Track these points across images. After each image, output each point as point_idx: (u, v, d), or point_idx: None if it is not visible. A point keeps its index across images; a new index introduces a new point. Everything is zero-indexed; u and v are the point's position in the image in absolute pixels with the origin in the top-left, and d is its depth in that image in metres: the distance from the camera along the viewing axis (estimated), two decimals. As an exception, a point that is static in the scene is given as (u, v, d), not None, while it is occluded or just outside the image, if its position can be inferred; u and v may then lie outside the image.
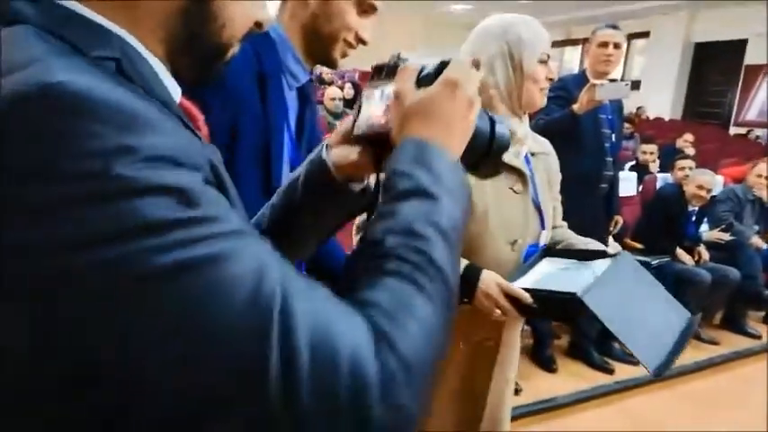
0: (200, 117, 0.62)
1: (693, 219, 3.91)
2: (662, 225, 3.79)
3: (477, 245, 1.23)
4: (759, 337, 3.86)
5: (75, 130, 0.37)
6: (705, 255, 3.81)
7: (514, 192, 1.26)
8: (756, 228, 4.24)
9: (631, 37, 13.35)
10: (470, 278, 1.17)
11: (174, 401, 0.38)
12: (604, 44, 2.79)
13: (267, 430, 0.38)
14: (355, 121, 0.69)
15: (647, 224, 3.95)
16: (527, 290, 1.14)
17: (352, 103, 5.54)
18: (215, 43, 0.54)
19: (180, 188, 0.39)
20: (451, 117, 0.58)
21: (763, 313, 4.24)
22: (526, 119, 1.30)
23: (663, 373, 1.03)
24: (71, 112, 0.38)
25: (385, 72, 0.67)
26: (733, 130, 11.40)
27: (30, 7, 0.45)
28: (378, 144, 0.66)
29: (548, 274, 1.23)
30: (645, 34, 13.34)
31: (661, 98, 12.36)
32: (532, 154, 1.35)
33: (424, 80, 0.60)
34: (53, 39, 0.43)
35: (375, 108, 0.66)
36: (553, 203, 1.42)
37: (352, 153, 0.70)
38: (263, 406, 0.38)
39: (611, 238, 3.19)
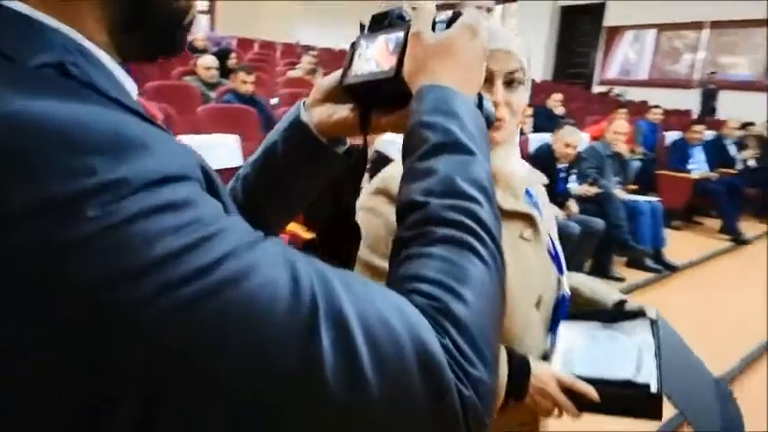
0: (160, 116, 0.54)
1: (562, 175, 4.20)
2: (536, 182, 4.03)
3: None
4: (623, 280, 4.27)
5: (57, 168, 0.32)
6: (574, 208, 4.11)
7: (525, 239, 1.01)
8: (616, 179, 4.65)
9: (504, 0, 13.88)
10: (519, 373, 0.93)
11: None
12: (477, 9, 2.87)
13: None
14: (346, 71, 0.63)
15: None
16: (587, 380, 0.93)
17: (229, 72, 5.25)
18: (169, 8, 0.47)
19: (186, 205, 0.35)
20: (472, 60, 0.56)
21: (625, 258, 4.69)
22: (511, 152, 1.02)
23: None
24: (43, 147, 0.32)
25: (388, 21, 0.63)
26: (596, 89, 12.31)
27: None
28: (371, 97, 0.61)
29: (581, 351, 1.01)
30: (516, -2, 13.91)
31: (534, 61, 13.05)
32: (531, 186, 1.09)
33: (439, 26, 0.58)
34: None
35: (378, 55, 0.61)
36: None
37: (339, 110, 0.64)
38: (332, 414, 0.35)
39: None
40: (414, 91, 0.54)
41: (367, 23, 0.65)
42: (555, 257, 1.06)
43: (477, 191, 0.47)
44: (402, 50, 0.57)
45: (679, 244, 4.91)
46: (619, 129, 4.61)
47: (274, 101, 5.39)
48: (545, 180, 1.16)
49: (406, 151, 0.51)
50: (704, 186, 5.63)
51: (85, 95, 0.37)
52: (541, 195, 1.13)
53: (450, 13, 0.58)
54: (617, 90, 11.39)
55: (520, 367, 0.93)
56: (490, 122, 0.60)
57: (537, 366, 0.94)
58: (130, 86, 0.46)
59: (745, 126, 7.27)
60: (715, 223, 5.75)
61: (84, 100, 0.36)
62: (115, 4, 0.43)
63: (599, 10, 12.40)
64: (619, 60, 12.91)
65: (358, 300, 0.37)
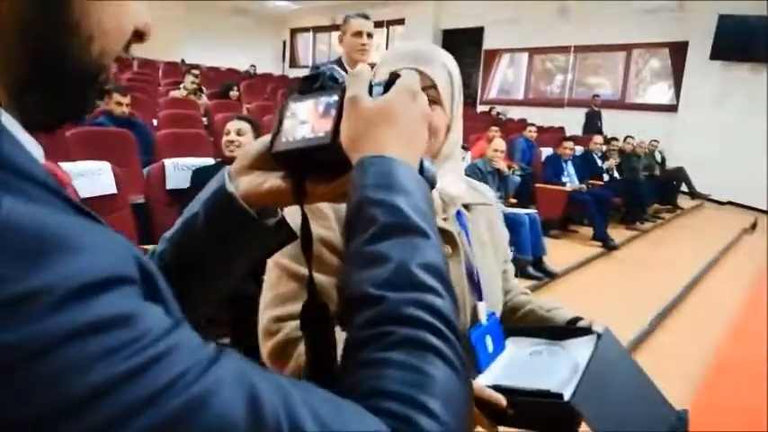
0: (67, 179, 0.46)
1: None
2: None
3: None
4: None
5: None
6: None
7: None
8: (498, 194, 4.91)
9: (390, 23, 14.33)
10: None
11: None
12: (358, 34, 2.89)
13: None
14: (275, 137, 0.57)
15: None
16: (499, 389, 0.87)
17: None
18: (81, 65, 0.40)
19: (124, 319, 0.30)
20: (413, 124, 0.52)
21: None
22: (448, 168, 1.00)
23: None
24: None
25: (320, 82, 0.58)
26: (480, 108, 12.99)
27: None
28: (304, 164, 0.56)
29: (516, 364, 0.98)
30: (402, 21, 14.41)
31: (420, 80, 13.53)
32: (466, 207, 1.06)
33: (376, 90, 0.54)
34: None
35: (310, 121, 0.56)
36: (503, 266, 1.14)
37: (270, 178, 0.58)
38: None
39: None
40: (354, 161, 0.50)
41: (297, 85, 0.61)
42: (476, 283, 1.01)
43: (435, 279, 0.44)
44: (338, 115, 0.53)
45: (557, 252, 5.23)
46: (498, 146, 4.88)
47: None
48: (488, 201, 1.13)
49: (352, 231, 0.47)
50: (576, 197, 6.07)
51: None
52: (482, 216, 1.09)
53: (386, 75, 0.56)
54: (498, 109, 12.09)
55: None
56: (432, 185, 0.58)
57: None
58: (37, 152, 0.39)
59: (608, 141, 7.99)
60: (588, 231, 6.21)
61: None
62: (16, 49, 0.37)
63: (478, 33, 13.15)
64: (498, 81, 13.72)
65: (324, 418, 0.34)
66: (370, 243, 0.45)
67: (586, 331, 0.97)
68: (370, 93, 0.54)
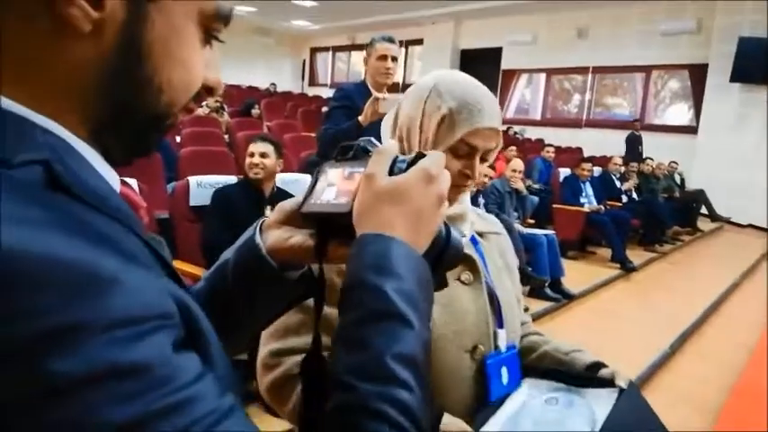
0: (143, 204, 0.51)
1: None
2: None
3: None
4: (526, 309, 4.46)
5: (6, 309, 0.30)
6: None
7: (463, 283, 0.98)
8: (516, 214, 4.92)
9: (409, 44, 14.47)
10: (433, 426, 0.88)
11: None
12: (383, 57, 2.93)
13: None
14: (306, 198, 0.61)
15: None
16: None
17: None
18: (149, 114, 0.45)
19: (140, 368, 0.33)
20: (422, 208, 0.53)
21: (527, 288, 4.92)
22: (463, 199, 1.03)
23: None
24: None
25: (353, 153, 0.61)
26: (497, 127, 13.00)
27: None
28: (328, 226, 0.59)
29: (527, 412, 0.94)
30: (420, 41, 14.56)
31: (438, 100, 13.62)
32: (480, 234, 1.07)
33: (398, 167, 0.55)
34: None
35: (337, 186, 0.59)
36: (516, 294, 1.13)
37: (296, 234, 0.61)
38: None
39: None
40: (357, 235, 0.52)
41: (335, 153, 0.63)
42: (497, 310, 1.01)
43: (408, 370, 0.45)
44: (358, 187, 0.56)
45: (575, 273, 5.20)
46: (516, 167, 4.90)
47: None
48: (498, 230, 1.14)
49: (342, 307, 0.49)
50: (594, 218, 6.05)
51: (58, 215, 0.35)
52: (495, 244, 1.10)
53: (413, 154, 0.57)
54: (516, 128, 12.11)
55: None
56: (459, 256, 0.60)
57: (447, 421, 0.89)
58: (113, 180, 0.45)
59: (627, 162, 7.96)
60: (606, 252, 6.16)
61: (53, 223, 0.34)
62: (96, 97, 0.42)
63: (496, 54, 13.23)
64: (516, 101, 13.76)
65: None
66: (354, 326, 0.47)
67: (609, 383, 0.93)
68: (392, 169, 0.55)
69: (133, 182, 3.01)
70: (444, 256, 0.58)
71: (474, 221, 1.06)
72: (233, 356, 0.70)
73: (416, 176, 0.53)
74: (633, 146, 10.22)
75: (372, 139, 0.62)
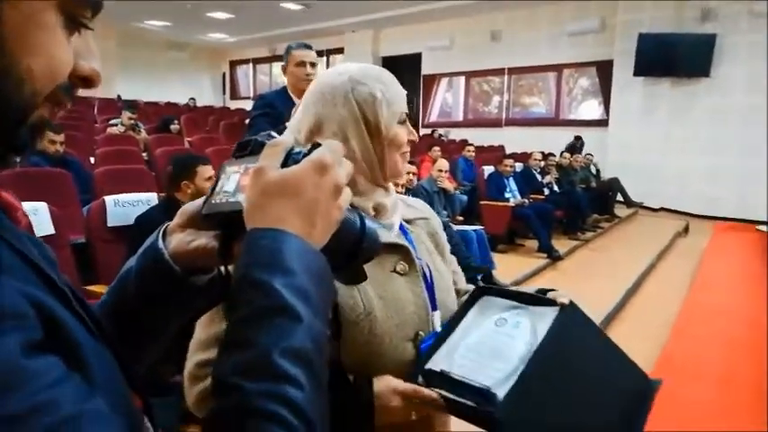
0: (19, 206, 0.46)
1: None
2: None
3: (370, 352, 0.94)
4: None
5: None
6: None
7: (399, 274, 1.00)
8: (445, 212, 5.01)
9: (330, 52, 14.51)
10: (365, 397, 0.90)
11: None
12: (302, 63, 2.93)
13: None
14: (207, 199, 0.58)
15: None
16: (441, 375, 0.89)
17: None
18: (13, 106, 0.42)
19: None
20: (315, 200, 0.50)
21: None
22: (392, 188, 1.06)
23: None
24: None
25: (250, 149, 0.58)
26: (422, 131, 13.26)
27: None
28: (230, 227, 0.56)
29: (476, 335, 0.96)
30: (341, 50, 14.63)
31: (362, 107, 13.74)
32: (408, 222, 1.09)
33: (293, 159, 0.53)
34: None
35: (232, 185, 0.56)
36: (451, 269, 1.16)
37: (199, 237, 0.58)
38: None
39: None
40: (248, 225, 0.50)
41: (233, 151, 0.61)
42: (431, 294, 1.03)
43: (298, 366, 0.43)
44: None
45: (506, 265, 5.37)
46: (442, 166, 5.01)
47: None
48: (426, 214, 1.16)
49: (231, 307, 0.47)
50: (519, 212, 6.27)
51: None
52: (423, 228, 1.12)
53: (309, 145, 0.55)
54: (440, 131, 12.37)
55: (362, 391, 0.91)
56: (376, 248, 0.58)
57: (378, 384, 0.92)
58: None
59: (546, 157, 8.30)
60: (533, 244, 6.39)
61: None
62: None
63: (416, 60, 13.49)
64: (438, 104, 14.06)
65: None
66: (239, 325, 0.45)
67: (553, 302, 0.95)
68: (287, 162, 0.53)
69: (42, 205, 2.84)
70: (360, 249, 0.57)
71: (403, 211, 1.08)
72: (161, 362, 0.68)
73: (308, 167, 0.51)
74: (574, 149, 10.56)
75: (272, 132, 0.60)
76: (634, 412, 0.93)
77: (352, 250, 0.56)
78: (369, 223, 0.58)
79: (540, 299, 0.98)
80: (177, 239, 0.60)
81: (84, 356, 0.39)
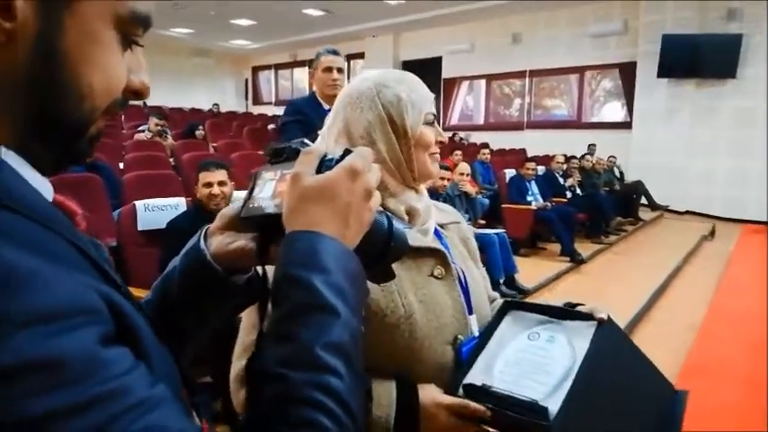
0: (78, 211, 0.50)
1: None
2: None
3: (411, 356, 0.95)
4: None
5: None
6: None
7: (437, 278, 1.00)
8: (467, 216, 5.03)
9: (351, 57, 14.59)
10: (409, 405, 0.91)
11: None
12: (329, 69, 2.97)
13: None
14: (245, 203, 0.62)
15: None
16: (483, 390, 0.90)
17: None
18: (73, 120, 0.45)
19: (65, 361, 0.34)
20: (348, 204, 0.54)
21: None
22: (424, 190, 1.08)
23: None
24: None
25: (285, 155, 0.62)
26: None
27: None
28: (267, 229, 0.60)
29: (512, 351, 0.96)
30: (362, 55, 14.71)
31: (383, 111, 13.80)
32: (441, 226, 1.11)
33: (326, 165, 0.56)
34: None
35: (271, 189, 0.60)
36: (482, 274, 1.17)
37: (238, 239, 0.63)
38: None
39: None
40: (287, 228, 0.53)
41: (269, 157, 0.65)
42: (467, 298, 1.04)
43: (338, 359, 0.47)
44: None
45: (528, 269, 5.34)
46: (463, 170, 5.02)
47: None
48: (457, 218, 1.18)
49: (273, 304, 0.50)
50: (542, 215, 6.23)
51: None
52: (456, 233, 1.14)
53: (341, 150, 0.58)
54: (461, 134, 12.35)
55: (407, 397, 0.92)
56: (404, 246, 0.61)
57: (424, 396, 0.92)
58: (45, 190, 0.46)
59: (568, 159, 8.25)
60: (556, 247, 6.34)
61: None
62: (19, 115, 0.43)
63: (436, 63, 13.50)
64: (459, 107, 14.05)
65: None
66: (282, 320, 0.49)
67: (587, 316, 0.94)
68: (320, 168, 0.56)
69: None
70: (389, 249, 0.60)
71: (436, 216, 1.10)
72: (192, 363, 0.71)
73: (342, 173, 0.55)
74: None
75: (305, 140, 0.63)
76: (666, 423, 0.95)
77: (381, 250, 0.59)
78: (396, 224, 0.61)
79: (570, 312, 0.98)
80: (217, 241, 0.64)
81: (146, 348, 0.42)
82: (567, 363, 0.89)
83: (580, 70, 11.68)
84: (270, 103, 17.41)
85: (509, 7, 11.42)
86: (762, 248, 6.96)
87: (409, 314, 0.95)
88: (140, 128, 7.26)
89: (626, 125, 10.98)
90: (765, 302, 4.49)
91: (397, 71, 1.07)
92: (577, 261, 5.98)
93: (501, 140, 11.61)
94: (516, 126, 12.77)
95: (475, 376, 0.94)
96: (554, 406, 0.83)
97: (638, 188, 9.43)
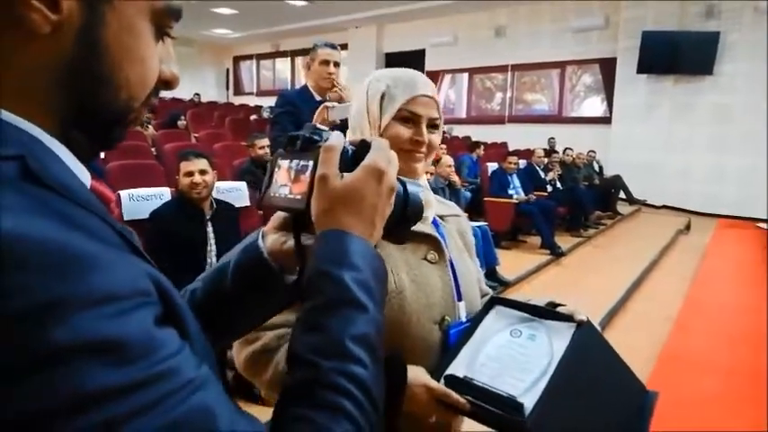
0: (112, 197, 0.51)
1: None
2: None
3: (399, 330, 1.00)
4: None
5: None
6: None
7: (430, 262, 1.07)
8: (450, 209, 5.08)
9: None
10: (397, 377, 0.95)
11: None
12: (326, 62, 2.96)
13: None
14: (266, 190, 0.64)
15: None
16: (464, 382, 0.94)
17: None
18: (111, 111, 0.47)
19: (124, 341, 0.36)
20: (374, 206, 0.57)
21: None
22: (424, 180, 1.12)
23: None
24: None
25: (300, 144, 0.63)
26: (425, 127, 13.28)
27: None
28: (295, 218, 0.63)
29: (491, 349, 0.99)
30: (345, 46, 14.64)
31: (366, 103, 13.78)
32: (441, 217, 1.17)
33: (344, 160, 0.59)
34: None
35: (290, 179, 0.62)
36: (476, 268, 1.22)
37: (290, 240, 0.66)
38: None
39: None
40: (317, 232, 0.57)
41: (285, 144, 0.66)
42: (456, 285, 1.09)
43: (364, 350, 0.50)
44: (311, 185, 0.59)
45: (509, 261, 5.42)
46: (449, 162, 5.06)
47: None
48: (457, 212, 1.23)
49: (306, 295, 0.54)
50: (523, 209, 6.32)
51: (38, 204, 0.38)
52: (454, 226, 1.19)
53: (358, 141, 0.61)
54: (444, 128, 12.38)
55: (396, 369, 0.95)
56: (420, 208, 0.64)
57: (412, 376, 0.96)
58: (84, 177, 0.47)
59: (549, 153, 8.35)
60: (536, 240, 6.45)
61: (35, 211, 0.37)
62: (58, 95, 0.44)
63: (419, 56, 13.51)
64: (442, 101, 13.91)
65: None
66: (314, 312, 0.52)
67: (568, 317, 0.98)
68: (342, 160, 0.58)
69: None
70: (407, 213, 0.63)
71: (436, 207, 1.15)
72: (222, 347, 0.74)
73: (367, 176, 0.57)
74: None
75: (317, 124, 0.65)
76: (636, 421, 0.99)
77: (400, 215, 0.63)
78: (410, 188, 0.64)
79: (552, 312, 1.01)
80: (272, 240, 0.67)
81: (188, 330, 0.45)
82: (546, 361, 0.92)
83: (561, 65, 11.80)
84: (251, 94, 17.26)
85: (492, 1, 11.47)
86: (736, 242, 7.15)
87: (400, 290, 1.01)
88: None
89: (605, 120, 11.13)
90: (740, 295, 4.63)
91: (410, 71, 1.09)
92: (557, 254, 6.08)
93: (483, 134, 11.67)
94: (498, 120, 12.87)
95: (457, 368, 0.98)
96: (530, 402, 0.87)
97: (617, 183, 9.59)
